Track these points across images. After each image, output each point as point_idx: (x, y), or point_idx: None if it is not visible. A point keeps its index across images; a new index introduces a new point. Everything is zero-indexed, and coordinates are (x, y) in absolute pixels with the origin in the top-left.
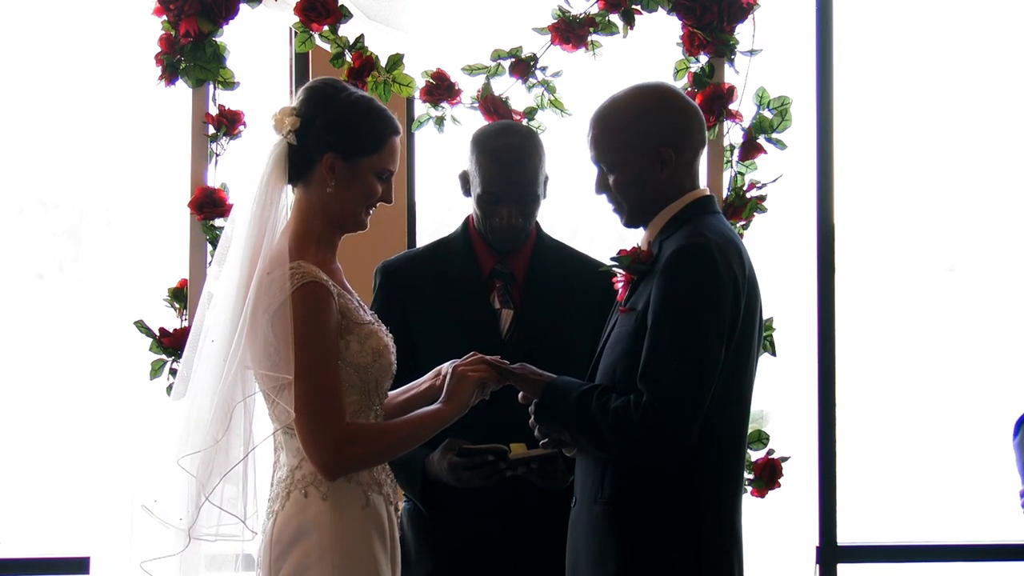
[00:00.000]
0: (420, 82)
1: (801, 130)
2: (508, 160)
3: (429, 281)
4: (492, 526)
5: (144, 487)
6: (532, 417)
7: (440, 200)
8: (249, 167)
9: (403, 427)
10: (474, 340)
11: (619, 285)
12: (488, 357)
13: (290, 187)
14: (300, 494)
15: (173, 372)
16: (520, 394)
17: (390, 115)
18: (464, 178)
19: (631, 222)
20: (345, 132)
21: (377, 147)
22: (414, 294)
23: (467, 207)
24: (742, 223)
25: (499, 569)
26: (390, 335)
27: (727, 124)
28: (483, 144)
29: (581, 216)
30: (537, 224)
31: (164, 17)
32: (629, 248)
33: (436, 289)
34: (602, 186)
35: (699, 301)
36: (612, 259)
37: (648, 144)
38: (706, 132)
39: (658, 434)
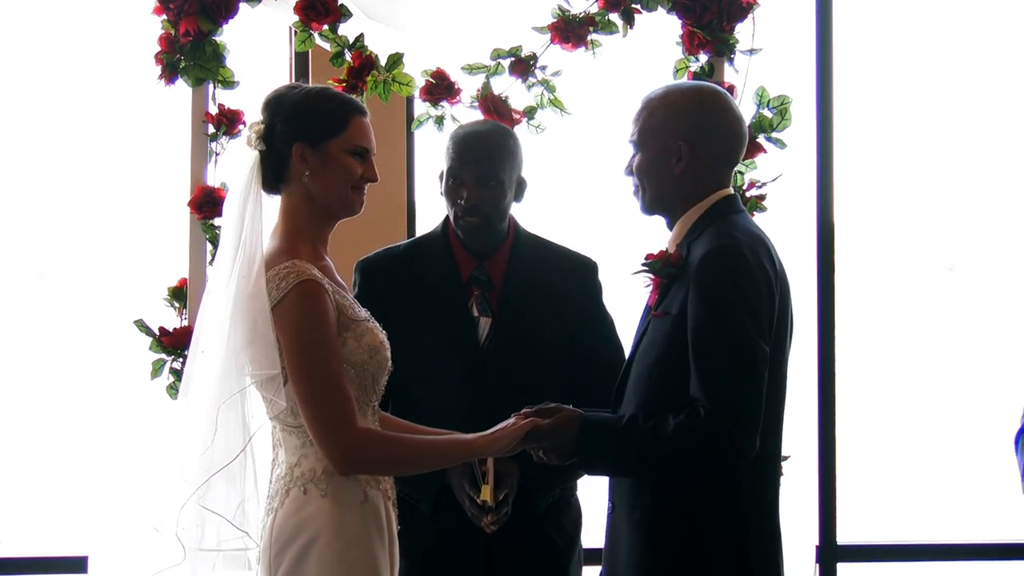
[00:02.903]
0: (420, 81)
1: (801, 129)
2: (473, 144)
3: (407, 283)
4: (468, 535)
5: (150, 500)
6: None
7: (440, 200)
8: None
9: (423, 445)
10: (452, 347)
11: (648, 289)
12: (524, 421)
13: (275, 196)
14: (299, 491)
15: (173, 371)
16: (539, 452)
17: (348, 97)
18: (441, 177)
19: (647, 208)
20: (304, 120)
21: (339, 127)
22: (393, 294)
23: None
24: None
25: (472, 571)
26: (384, 331)
27: None
28: (454, 134)
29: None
30: (516, 223)
31: (164, 16)
32: (656, 252)
33: (414, 292)
34: (629, 167)
35: (739, 305)
36: (643, 264)
37: (669, 135)
38: (740, 136)
39: (728, 445)
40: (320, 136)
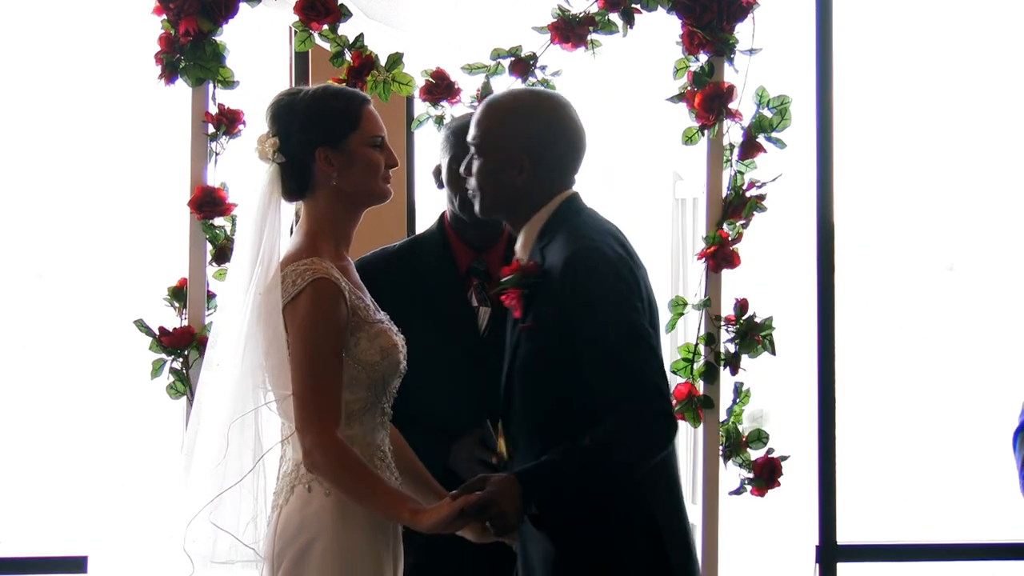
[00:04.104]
0: (420, 81)
1: (801, 129)
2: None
3: (406, 279)
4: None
5: (158, 508)
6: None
7: (440, 200)
8: (248, 169)
9: (375, 485)
10: (453, 337)
11: (511, 303)
12: (455, 503)
13: (296, 203)
14: (304, 489)
15: (173, 371)
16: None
17: (352, 90)
18: (437, 171)
19: (484, 212)
20: (321, 124)
21: (355, 122)
22: (392, 292)
23: None
24: (741, 222)
25: (478, 566)
26: (400, 335)
27: (727, 123)
28: (451, 126)
29: None
30: None
31: (164, 16)
32: (511, 264)
33: (414, 287)
34: (467, 169)
35: (616, 300)
36: (503, 281)
37: (511, 147)
38: (581, 144)
39: (665, 427)
40: (339, 136)
